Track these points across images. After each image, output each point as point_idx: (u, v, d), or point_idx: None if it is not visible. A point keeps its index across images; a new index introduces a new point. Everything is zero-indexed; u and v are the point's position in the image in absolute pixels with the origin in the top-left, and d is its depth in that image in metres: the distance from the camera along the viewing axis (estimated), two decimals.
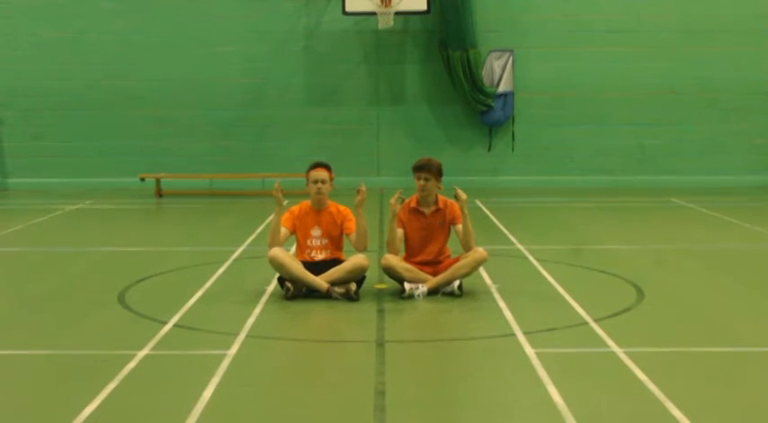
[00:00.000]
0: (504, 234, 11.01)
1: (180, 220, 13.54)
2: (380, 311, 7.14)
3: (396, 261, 7.65)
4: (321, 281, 7.47)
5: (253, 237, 10.73)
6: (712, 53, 16.83)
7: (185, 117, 16.99)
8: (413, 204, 7.83)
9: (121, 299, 7.55)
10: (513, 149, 17.06)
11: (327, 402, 5.11)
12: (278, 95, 16.99)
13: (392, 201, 7.63)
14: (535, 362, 5.71)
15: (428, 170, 7.71)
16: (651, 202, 14.67)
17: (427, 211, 7.80)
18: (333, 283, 7.47)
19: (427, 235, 7.81)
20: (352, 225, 7.70)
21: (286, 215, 7.73)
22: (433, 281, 7.61)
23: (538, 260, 9.19)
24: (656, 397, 5.06)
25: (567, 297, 7.54)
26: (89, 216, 13.51)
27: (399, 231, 7.79)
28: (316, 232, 7.73)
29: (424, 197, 7.79)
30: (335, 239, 7.76)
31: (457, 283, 7.57)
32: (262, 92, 17.00)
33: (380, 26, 15.84)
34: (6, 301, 7.80)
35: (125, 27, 16.89)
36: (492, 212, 12.89)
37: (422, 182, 7.72)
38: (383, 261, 7.67)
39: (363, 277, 7.64)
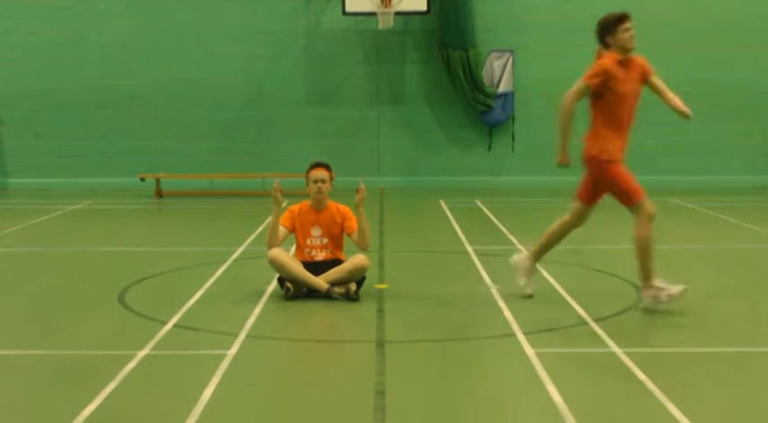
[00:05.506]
0: (505, 234, 11.00)
1: (180, 220, 13.54)
2: (380, 311, 7.14)
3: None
4: (321, 281, 7.46)
5: (253, 237, 10.72)
6: (712, 53, 16.83)
7: (185, 117, 17.00)
8: None
9: (121, 299, 7.55)
10: (513, 149, 17.07)
11: (327, 402, 5.11)
12: (278, 95, 17.00)
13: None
14: (535, 362, 5.71)
15: None
16: (651, 202, 14.61)
17: None
18: (333, 284, 7.47)
19: None
20: (353, 223, 7.70)
21: (285, 214, 7.72)
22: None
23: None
24: (656, 397, 5.06)
25: (567, 297, 7.55)
26: (89, 216, 13.50)
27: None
28: (316, 232, 7.72)
29: None
30: (336, 238, 7.75)
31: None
32: (262, 92, 17.01)
33: (380, 26, 15.84)
34: (6, 301, 7.79)
35: (124, 27, 16.91)
36: (492, 212, 12.88)
37: None
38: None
39: (363, 277, 7.63)
